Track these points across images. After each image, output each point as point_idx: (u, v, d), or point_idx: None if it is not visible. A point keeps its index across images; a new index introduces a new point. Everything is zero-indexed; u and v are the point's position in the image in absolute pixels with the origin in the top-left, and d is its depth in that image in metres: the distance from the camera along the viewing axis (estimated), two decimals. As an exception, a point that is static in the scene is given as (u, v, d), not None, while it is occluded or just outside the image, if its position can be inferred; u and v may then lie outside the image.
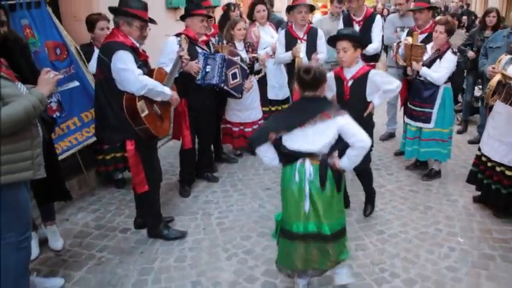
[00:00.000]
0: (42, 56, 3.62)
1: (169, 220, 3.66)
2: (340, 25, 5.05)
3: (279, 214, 2.64)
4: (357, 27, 4.96)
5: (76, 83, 2.87)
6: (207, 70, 3.94)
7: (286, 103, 5.37)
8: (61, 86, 2.77)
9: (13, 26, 3.25)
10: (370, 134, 3.53)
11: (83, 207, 4.00)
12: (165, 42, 3.88)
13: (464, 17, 9.88)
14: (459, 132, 5.95)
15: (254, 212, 3.87)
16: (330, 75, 3.49)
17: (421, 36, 4.49)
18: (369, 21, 4.97)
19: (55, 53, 3.75)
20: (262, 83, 5.08)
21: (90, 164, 4.28)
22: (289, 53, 4.58)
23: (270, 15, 5.61)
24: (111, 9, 3.14)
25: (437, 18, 4.65)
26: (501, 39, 4.40)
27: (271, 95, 5.32)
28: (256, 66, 4.79)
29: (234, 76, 4.15)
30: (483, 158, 3.73)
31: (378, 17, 5.06)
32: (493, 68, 3.55)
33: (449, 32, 4.06)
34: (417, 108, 4.28)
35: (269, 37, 5.21)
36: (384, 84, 3.34)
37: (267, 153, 2.53)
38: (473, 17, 10.01)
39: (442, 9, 13.14)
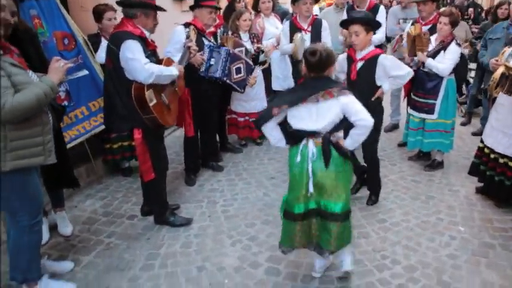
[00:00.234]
0: (51, 46, 3.68)
1: (175, 207, 3.73)
2: (344, 16, 5.06)
3: (287, 195, 2.70)
4: (360, 18, 4.95)
5: (85, 72, 2.95)
6: (211, 63, 3.96)
7: (290, 94, 5.38)
8: (71, 75, 2.84)
9: (22, 16, 3.31)
10: (379, 119, 3.54)
11: (90, 194, 4.08)
12: (173, 30, 3.90)
13: (471, 9, 9.81)
14: (463, 124, 5.98)
15: (259, 201, 3.93)
16: (343, 56, 3.53)
17: (425, 28, 4.51)
18: (372, 12, 4.94)
19: (63, 43, 3.81)
20: (267, 74, 5.11)
21: (97, 153, 4.35)
22: (292, 44, 4.61)
23: (275, 7, 5.62)
24: (126, 4, 3.07)
25: (442, 9, 4.65)
26: (501, 31, 4.41)
27: (275, 85, 5.34)
28: (261, 57, 4.81)
29: (238, 71, 4.17)
30: (486, 150, 3.76)
31: (382, 7, 5.05)
32: (496, 61, 3.56)
33: (454, 24, 4.07)
34: (421, 100, 4.30)
35: (274, 28, 5.22)
36: (392, 70, 3.34)
37: (272, 131, 2.56)
38: (479, 9, 9.93)
39: (448, 0, 13.04)
